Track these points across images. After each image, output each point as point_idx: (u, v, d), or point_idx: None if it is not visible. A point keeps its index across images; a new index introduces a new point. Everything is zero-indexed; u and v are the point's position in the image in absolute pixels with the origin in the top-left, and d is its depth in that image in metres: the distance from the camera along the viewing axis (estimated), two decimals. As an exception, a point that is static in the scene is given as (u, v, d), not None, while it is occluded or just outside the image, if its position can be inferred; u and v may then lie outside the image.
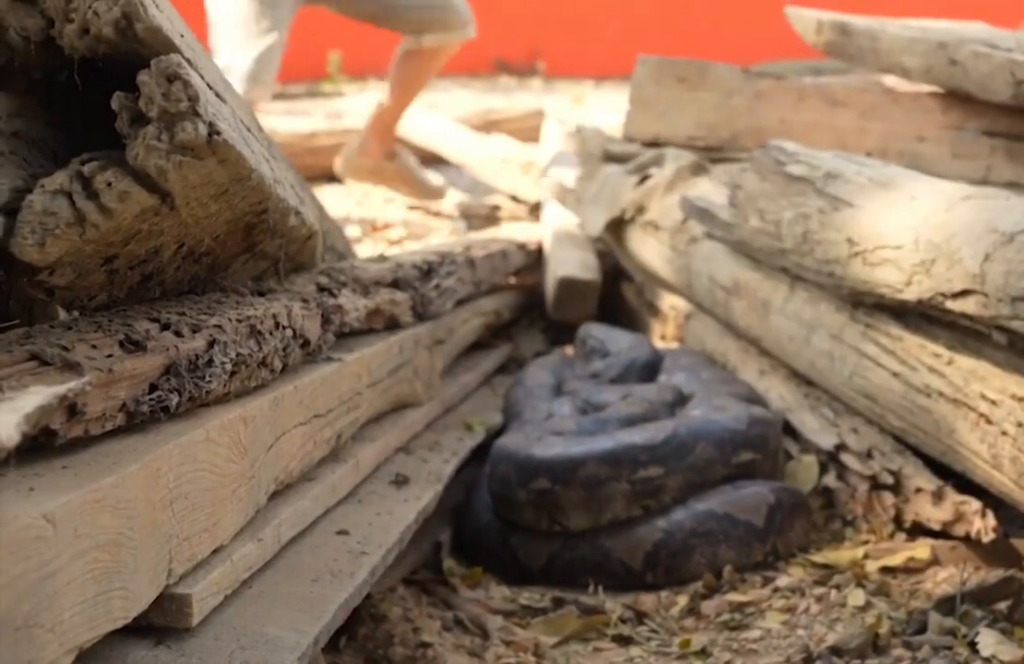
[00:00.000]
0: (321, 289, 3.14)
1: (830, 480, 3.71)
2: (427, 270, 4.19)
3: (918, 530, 3.52)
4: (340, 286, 3.28)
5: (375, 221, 7.68)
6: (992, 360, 3.31)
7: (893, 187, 3.66)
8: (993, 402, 3.23)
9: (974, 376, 3.32)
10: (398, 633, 3.12)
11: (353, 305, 3.19)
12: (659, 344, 5.19)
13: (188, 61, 1.87)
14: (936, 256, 3.30)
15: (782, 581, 3.36)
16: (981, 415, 3.27)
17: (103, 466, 1.83)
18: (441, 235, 7.19)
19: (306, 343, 2.69)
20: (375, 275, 3.65)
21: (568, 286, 5.38)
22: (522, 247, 5.87)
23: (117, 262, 2.08)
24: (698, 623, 3.29)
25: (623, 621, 3.29)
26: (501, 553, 3.59)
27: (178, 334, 2.18)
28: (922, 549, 3.42)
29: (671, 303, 5.15)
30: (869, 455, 3.65)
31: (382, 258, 4.08)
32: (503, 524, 3.61)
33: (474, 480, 3.77)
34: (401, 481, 3.18)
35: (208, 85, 1.97)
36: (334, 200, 7.78)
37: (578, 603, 3.35)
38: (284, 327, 2.53)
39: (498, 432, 4.11)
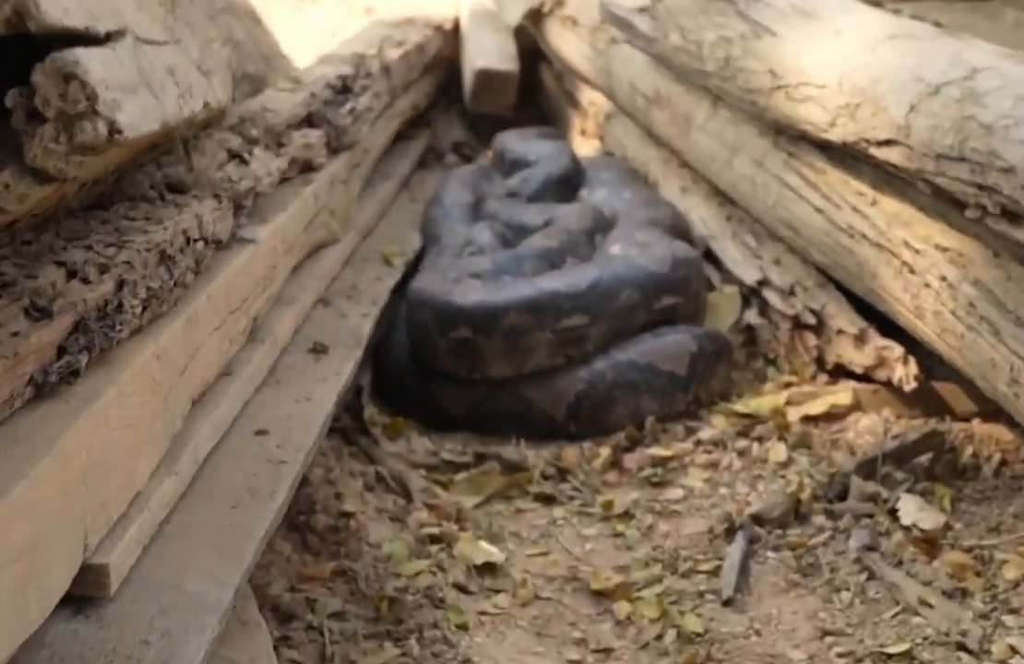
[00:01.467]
0: (232, 155, 3.04)
1: (752, 317, 3.70)
2: (341, 88, 4.08)
3: (840, 371, 3.52)
4: (252, 145, 3.18)
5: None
6: (916, 204, 3.27)
7: (816, 18, 3.57)
8: (917, 251, 3.20)
9: (898, 220, 3.28)
10: (320, 499, 3.10)
11: (266, 170, 3.09)
12: (579, 140, 5.12)
13: (97, 37, 1.77)
14: (861, 101, 3.23)
15: (704, 433, 3.36)
16: (904, 263, 3.25)
17: (11, 468, 1.76)
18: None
19: (219, 243, 2.61)
20: (288, 115, 3.54)
21: (486, 78, 5.28)
22: (438, 29, 5.73)
23: (17, 224, 1.99)
24: (621, 478, 3.30)
25: (545, 477, 3.29)
26: (421, 399, 3.56)
27: (85, 281, 2.09)
28: (844, 394, 3.42)
29: (591, 98, 5.06)
30: (792, 292, 3.63)
31: (294, 83, 3.96)
32: (422, 369, 3.56)
33: (392, 319, 3.71)
34: (320, 350, 3.12)
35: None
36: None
37: (500, 458, 3.34)
38: (195, 240, 2.44)
39: (417, 259, 4.05)
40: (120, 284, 2.15)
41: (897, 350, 3.39)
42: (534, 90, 5.63)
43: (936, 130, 2.96)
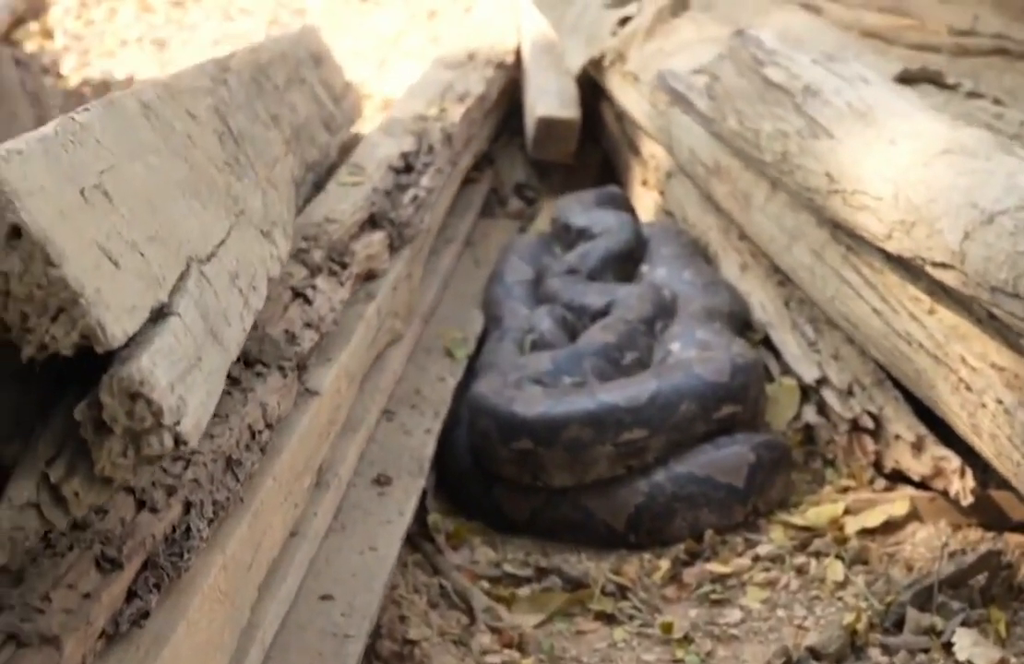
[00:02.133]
0: (295, 294, 3.11)
1: (811, 416, 3.73)
2: (403, 168, 4.14)
3: (899, 475, 3.55)
4: (315, 275, 3.25)
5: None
6: (974, 318, 3.29)
7: (873, 122, 3.56)
8: (973, 369, 3.22)
9: (955, 333, 3.30)
10: (385, 622, 3.17)
11: (330, 306, 3.15)
12: (639, 191, 5.15)
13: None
14: (916, 219, 3.24)
15: (763, 548, 3.41)
16: (961, 380, 3.27)
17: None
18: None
19: (281, 418, 2.68)
20: (350, 224, 3.60)
21: (548, 126, 5.31)
22: (500, 67, 5.76)
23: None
24: (680, 593, 3.35)
25: (605, 594, 3.34)
26: (484, 501, 3.63)
27: (154, 510, 2.17)
28: (901, 504, 3.46)
29: (651, 151, 5.08)
30: (850, 392, 3.66)
31: (356, 173, 4.01)
32: (485, 472, 3.63)
33: (455, 417, 3.76)
34: (383, 482, 3.20)
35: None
36: None
37: (561, 572, 3.40)
38: (261, 432, 2.51)
39: (480, 341, 4.11)
40: (187, 506, 2.22)
41: (954, 461, 3.41)
42: (595, 127, 5.64)
43: (990, 262, 2.96)
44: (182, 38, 8.05)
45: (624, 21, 5.20)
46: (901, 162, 3.34)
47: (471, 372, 3.92)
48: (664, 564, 3.43)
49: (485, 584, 3.40)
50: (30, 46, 7.72)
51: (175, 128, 2.60)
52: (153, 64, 7.64)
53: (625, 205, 4.86)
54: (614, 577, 3.39)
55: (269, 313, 2.93)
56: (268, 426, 2.55)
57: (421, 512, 3.60)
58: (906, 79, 4.26)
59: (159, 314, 1.96)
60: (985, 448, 3.22)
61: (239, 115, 3.29)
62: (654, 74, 4.82)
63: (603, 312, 4.07)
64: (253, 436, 2.48)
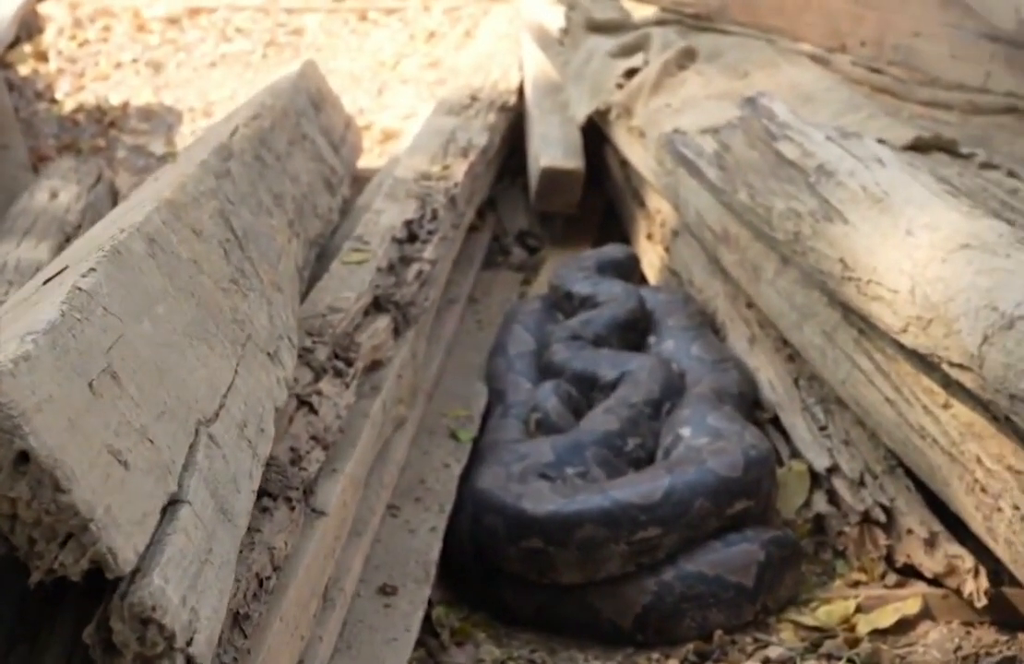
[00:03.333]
0: (301, 402, 3.05)
1: (821, 505, 3.68)
2: (407, 237, 4.08)
3: (910, 570, 3.49)
4: (319, 377, 3.19)
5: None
6: (990, 415, 3.23)
7: (887, 208, 3.50)
8: (989, 470, 3.18)
9: (970, 431, 3.25)
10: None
11: (336, 413, 3.09)
12: (644, 244, 5.09)
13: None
14: (933, 317, 3.18)
15: (773, 651, 3.35)
16: (976, 480, 3.22)
17: None
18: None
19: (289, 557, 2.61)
20: (354, 312, 3.54)
21: (552, 177, 5.24)
22: (503, 109, 5.69)
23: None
24: (688, 700, 3.31)
25: (612, 699, 3.30)
26: (487, 594, 3.57)
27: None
28: (913, 602, 3.40)
29: (657, 206, 5.01)
30: (862, 481, 3.61)
31: (359, 251, 3.95)
32: (488, 566, 3.56)
33: (457, 503, 3.67)
34: (389, 592, 3.14)
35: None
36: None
37: (566, 675, 3.35)
38: (268, 578, 2.44)
39: (485, 415, 4.06)
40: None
41: (968, 561, 3.35)
42: (599, 171, 5.55)
43: (1010, 369, 2.91)
44: (178, 60, 7.96)
45: (630, 73, 5.12)
46: (918, 256, 3.28)
47: (474, 449, 3.85)
48: (673, 664, 3.38)
49: (489, 694, 3.35)
50: (23, 69, 7.63)
51: (181, 257, 2.55)
52: (148, 88, 7.55)
53: (629, 265, 4.79)
54: (621, 677, 3.35)
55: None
56: (276, 569, 2.49)
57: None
58: (919, 147, 4.20)
59: (169, 504, 1.90)
60: (1001, 552, 3.17)
61: (243, 210, 3.23)
62: (660, 131, 4.76)
63: (613, 384, 4.01)
64: (261, 584, 2.42)
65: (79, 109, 7.24)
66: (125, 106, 7.28)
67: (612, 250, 4.88)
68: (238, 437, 2.30)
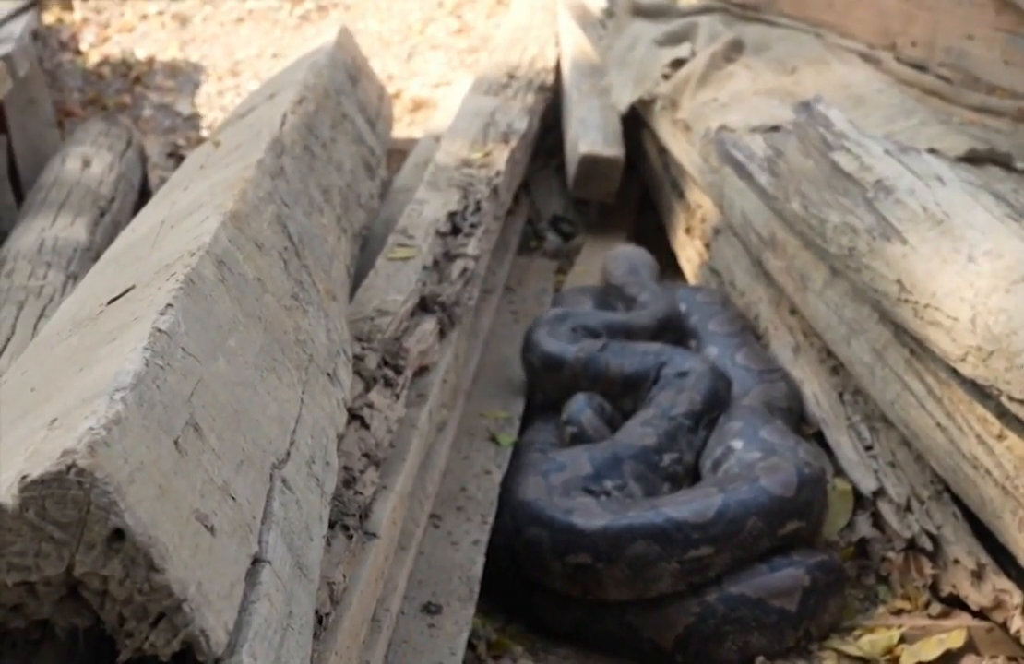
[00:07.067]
0: (353, 416, 2.99)
1: (866, 529, 3.62)
2: (451, 230, 4.03)
3: (955, 600, 3.44)
4: (370, 387, 3.13)
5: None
6: (1048, 450, 3.18)
7: (948, 231, 3.43)
8: (1046, 511, 3.13)
9: (1026, 466, 3.19)
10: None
11: (387, 427, 3.04)
12: (682, 238, 5.01)
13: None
14: (995, 349, 3.13)
15: (814, 681, 3.32)
16: (1031, 517, 3.17)
17: None
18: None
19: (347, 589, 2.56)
20: (402, 314, 3.48)
21: (591, 164, 5.15)
22: (541, 90, 5.61)
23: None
24: (729, 727, 3.27)
25: (649, 723, 3.25)
26: (523, 606, 3.52)
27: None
28: (957, 635, 3.34)
29: (699, 200, 4.93)
30: (908, 507, 3.55)
31: (404, 246, 3.89)
32: (527, 578, 3.51)
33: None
34: (433, 611, 3.09)
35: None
36: None
37: (603, 697, 3.31)
38: (328, 614, 2.39)
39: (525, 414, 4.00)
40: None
41: (1016, 596, 3.29)
42: (636, 156, 5.46)
43: (1075, 412, 2.87)
44: (204, 13, 7.86)
45: (676, 63, 5.04)
46: (981, 285, 3.22)
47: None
48: (713, 693, 3.33)
49: (524, 709, 3.31)
50: (48, 18, 7.53)
51: (247, 278, 2.48)
52: (174, 42, 7.46)
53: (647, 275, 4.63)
54: (661, 698, 3.30)
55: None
56: (335, 603, 2.43)
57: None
58: (973, 159, 4.13)
59: (252, 564, 1.84)
60: (1051, 593, 3.12)
61: (297, 212, 3.17)
62: (707, 126, 4.68)
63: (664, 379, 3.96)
64: (320, 621, 2.36)
65: (104, 62, 7.15)
66: (151, 61, 7.19)
67: (641, 255, 4.73)
68: (307, 476, 2.24)
